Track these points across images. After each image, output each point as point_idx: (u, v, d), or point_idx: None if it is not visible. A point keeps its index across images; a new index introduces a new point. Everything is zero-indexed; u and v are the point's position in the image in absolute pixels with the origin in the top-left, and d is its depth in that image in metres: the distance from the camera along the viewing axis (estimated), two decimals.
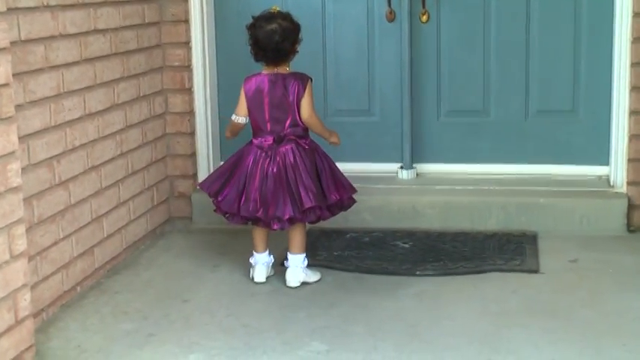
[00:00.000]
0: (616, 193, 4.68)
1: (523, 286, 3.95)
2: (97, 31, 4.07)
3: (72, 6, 3.84)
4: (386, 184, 4.93)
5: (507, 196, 4.72)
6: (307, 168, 3.88)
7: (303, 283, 4.00)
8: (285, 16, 3.93)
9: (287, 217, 3.86)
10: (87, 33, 3.98)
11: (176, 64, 4.83)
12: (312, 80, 3.97)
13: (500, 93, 4.93)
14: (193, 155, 4.94)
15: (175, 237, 4.76)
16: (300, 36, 3.94)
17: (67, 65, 3.82)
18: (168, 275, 4.21)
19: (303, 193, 3.84)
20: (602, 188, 4.76)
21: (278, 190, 3.86)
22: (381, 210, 4.73)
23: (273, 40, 3.87)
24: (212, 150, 5.00)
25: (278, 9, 3.98)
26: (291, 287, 3.98)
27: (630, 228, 4.59)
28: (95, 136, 4.07)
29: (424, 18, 4.89)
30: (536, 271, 4.10)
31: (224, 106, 4.98)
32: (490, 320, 3.61)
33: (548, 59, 4.85)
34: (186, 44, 4.83)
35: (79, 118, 3.93)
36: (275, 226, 3.90)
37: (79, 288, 3.95)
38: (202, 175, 4.90)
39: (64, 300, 3.84)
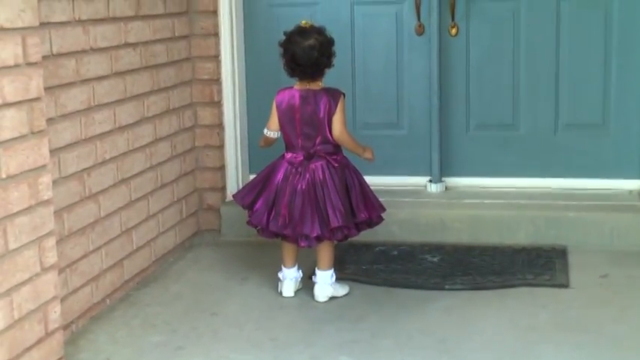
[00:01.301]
0: None
1: (553, 301, 3.93)
2: (127, 44, 4.09)
3: (103, 20, 3.87)
4: (414, 197, 4.92)
5: (536, 210, 4.70)
6: (336, 186, 3.86)
7: (332, 297, 4.00)
8: (320, 31, 3.90)
9: (315, 235, 3.85)
10: (117, 47, 4.01)
11: (205, 77, 4.85)
12: (344, 96, 3.95)
13: (529, 106, 4.92)
14: (222, 168, 4.96)
15: (204, 250, 4.77)
16: (334, 49, 3.92)
17: (98, 79, 3.85)
18: (197, 288, 4.22)
19: (330, 212, 3.83)
20: (632, 202, 4.73)
21: (306, 207, 3.85)
22: (409, 223, 4.72)
23: (313, 57, 3.82)
24: (241, 163, 5.01)
25: (310, 23, 3.94)
26: (319, 302, 3.98)
27: None
28: (125, 149, 4.10)
29: (453, 31, 4.89)
30: (566, 286, 4.08)
31: (253, 119, 5.00)
32: (519, 335, 3.59)
33: (578, 72, 4.83)
34: (216, 57, 4.85)
35: (109, 132, 3.95)
36: (302, 244, 3.90)
37: (108, 300, 3.97)
38: (231, 188, 4.92)
39: (94, 312, 3.86)
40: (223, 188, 4.97)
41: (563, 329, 3.63)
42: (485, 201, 4.81)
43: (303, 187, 3.86)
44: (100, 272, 3.89)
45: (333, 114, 3.87)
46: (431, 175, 5.01)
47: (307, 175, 3.87)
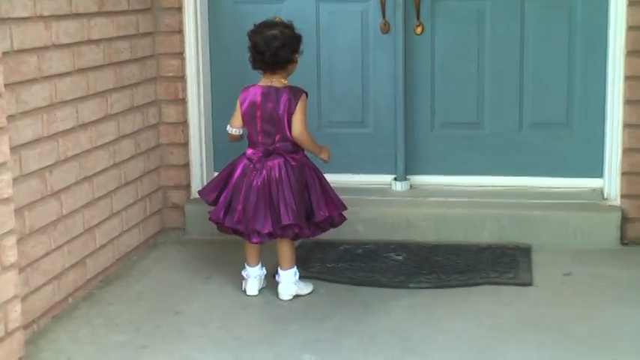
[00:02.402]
0: (610, 206, 4.67)
1: (516, 299, 3.94)
2: (90, 41, 4.06)
3: (65, 16, 3.83)
4: (379, 195, 4.92)
5: (501, 208, 4.71)
6: (292, 184, 3.85)
7: (296, 296, 3.98)
8: (287, 25, 3.91)
9: (266, 231, 3.84)
10: (80, 43, 3.97)
11: (170, 74, 4.82)
12: (307, 95, 3.94)
13: (494, 105, 4.93)
14: (187, 166, 4.93)
15: (168, 248, 4.74)
16: (300, 47, 3.91)
17: (60, 75, 3.81)
18: (161, 287, 4.19)
19: (282, 210, 3.81)
20: (595, 201, 4.75)
21: (260, 203, 3.84)
22: (374, 222, 4.72)
23: (273, 45, 3.82)
24: (205, 160, 4.99)
25: (280, 19, 3.97)
26: (283, 300, 3.97)
27: (624, 241, 4.58)
28: (88, 147, 4.06)
29: (418, 30, 4.89)
30: (529, 285, 4.09)
31: (218, 116, 4.97)
32: (483, 334, 3.59)
33: (543, 72, 4.86)
34: (180, 55, 4.82)
35: (72, 129, 3.92)
36: (254, 240, 3.89)
37: (70, 299, 3.93)
38: (196, 186, 4.89)
39: (56, 311, 3.82)
40: (188, 186, 4.94)
41: (527, 327, 3.64)
42: (450, 199, 4.82)
43: (259, 183, 3.85)
44: (62, 271, 3.85)
45: (293, 113, 3.86)
46: (396, 174, 5.01)
47: (264, 172, 3.86)
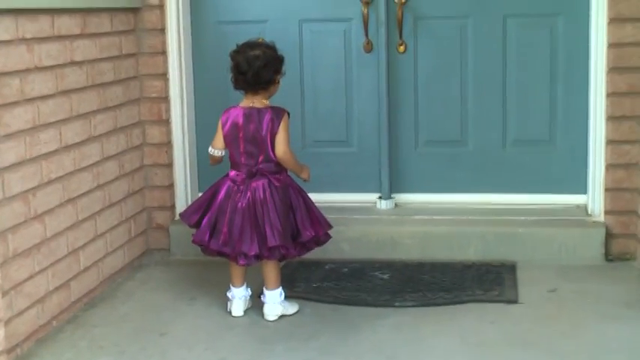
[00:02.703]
0: (594, 222, 4.69)
1: (502, 316, 3.94)
2: (73, 63, 4.05)
3: (48, 38, 3.83)
4: (364, 214, 4.92)
5: (486, 225, 4.72)
6: (276, 205, 3.84)
7: (282, 316, 3.98)
8: (270, 46, 3.91)
9: (253, 253, 3.84)
10: (63, 65, 3.96)
11: (153, 95, 4.82)
12: (289, 115, 3.94)
13: (477, 123, 4.95)
14: (171, 187, 4.92)
15: (153, 269, 4.73)
16: (283, 68, 3.92)
17: (43, 98, 3.80)
18: (146, 308, 4.18)
19: (268, 231, 3.81)
20: (580, 217, 4.76)
21: (246, 225, 3.84)
22: (359, 241, 4.72)
23: (255, 65, 3.82)
24: (190, 181, 4.98)
25: (263, 39, 3.98)
26: (269, 321, 3.96)
27: (608, 257, 4.60)
28: (71, 169, 4.05)
29: (401, 49, 4.90)
30: (515, 302, 4.09)
31: (202, 137, 4.97)
32: (469, 352, 3.59)
33: (525, 89, 4.88)
34: (164, 76, 4.82)
35: (55, 151, 3.91)
36: (241, 262, 3.88)
37: (54, 322, 3.91)
38: (180, 207, 4.88)
39: (40, 334, 3.80)
40: (172, 207, 4.93)
41: (513, 345, 3.64)
42: (435, 217, 4.83)
43: (244, 205, 3.85)
44: (46, 294, 3.84)
45: (276, 133, 3.86)
46: (380, 192, 5.02)
47: (248, 194, 3.86)
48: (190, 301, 4.22)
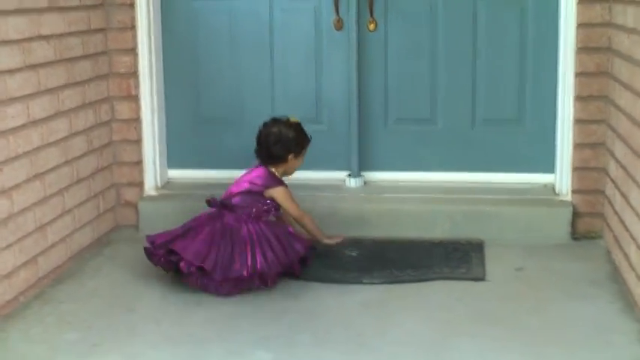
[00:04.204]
0: (561, 201, 4.72)
1: (469, 294, 3.97)
2: (40, 37, 4.02)
3: (14, 12, 3.79)
4: (333, 192, 4.92)
5: (454, 204, 4.74)
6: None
7: (249, 292, 3.98)
8: (292, 125, 4.26)
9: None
10: (30, 39, 3.93)
11: (122, 70, 4.79)
12: (285, 187, 4.27)
13: (447, 101, 4.96)
14: (140, 163, 4.90)
15: (121, 246, 4.71)
16: (302, 150, 4.30)
17: (10, 72, 3.77)
18: (114, 284, 4.17)
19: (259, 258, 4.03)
20: (547, 196, 4.80)
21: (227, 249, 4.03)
22: (328, 218, 4.71)
23: (268, 142, 4.21)
24: (159, 158, 4.96)
25: (294, 119, 4.31)
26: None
27: (575, 236, 4.63)
28: (39, 144, 4.02)
29: (372, 27, 4.90)
30: (482, 279, 4.12)
31: (171, 113, 4.96)
32: (436, 328, 3.62)
33: (495, 68, 4.89)
34: (133, 51, 4.79)
35: (23, 126, 3.88)
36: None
37: (22, 298, 3.90)
38: (149, 183, 4.90)
39: (7, 310, 3.78)
40: (141, 183, 4.92)
41: (479, 322, 3.67)
42: (404, 195, 4.84)
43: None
44: (13, 269, 3.81)
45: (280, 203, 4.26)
46: (350, 170, 5.02)
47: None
48: (159, 276, 4.21)
